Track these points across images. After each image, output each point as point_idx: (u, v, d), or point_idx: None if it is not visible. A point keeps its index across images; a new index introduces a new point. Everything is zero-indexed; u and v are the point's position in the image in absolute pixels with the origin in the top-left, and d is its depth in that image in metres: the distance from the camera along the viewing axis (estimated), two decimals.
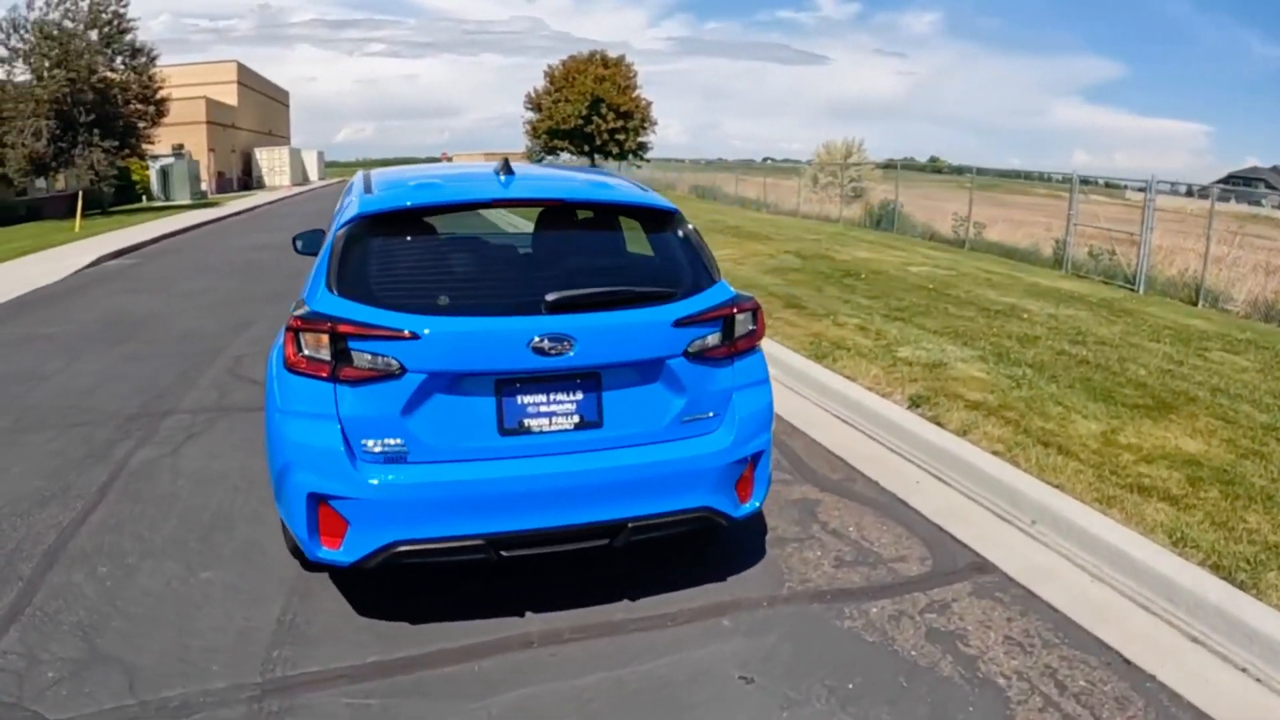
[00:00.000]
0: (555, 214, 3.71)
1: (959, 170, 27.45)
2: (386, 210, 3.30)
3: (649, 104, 50.30)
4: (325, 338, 2.96)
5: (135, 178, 37.82)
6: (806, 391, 6.58)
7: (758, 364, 3.53)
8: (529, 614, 3.40)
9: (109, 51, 28.99)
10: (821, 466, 5.16)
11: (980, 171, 20.76)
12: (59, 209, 27.68)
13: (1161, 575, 3.53)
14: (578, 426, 3.13)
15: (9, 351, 8.14)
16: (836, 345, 7.41)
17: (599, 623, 3.36)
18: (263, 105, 62.39)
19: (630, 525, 3.13)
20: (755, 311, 3.51)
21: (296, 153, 61.17)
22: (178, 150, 41.65)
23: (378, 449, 2.99)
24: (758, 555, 3.97)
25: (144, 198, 38.63)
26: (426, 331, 2.95)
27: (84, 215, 24.01)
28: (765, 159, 53.13)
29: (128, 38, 29.46)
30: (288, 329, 3.07)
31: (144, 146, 32.00)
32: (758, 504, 3.56)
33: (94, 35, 28.58)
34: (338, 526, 2.99)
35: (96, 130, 27.76)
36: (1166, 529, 3.93)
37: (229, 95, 51.88)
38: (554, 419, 3.10)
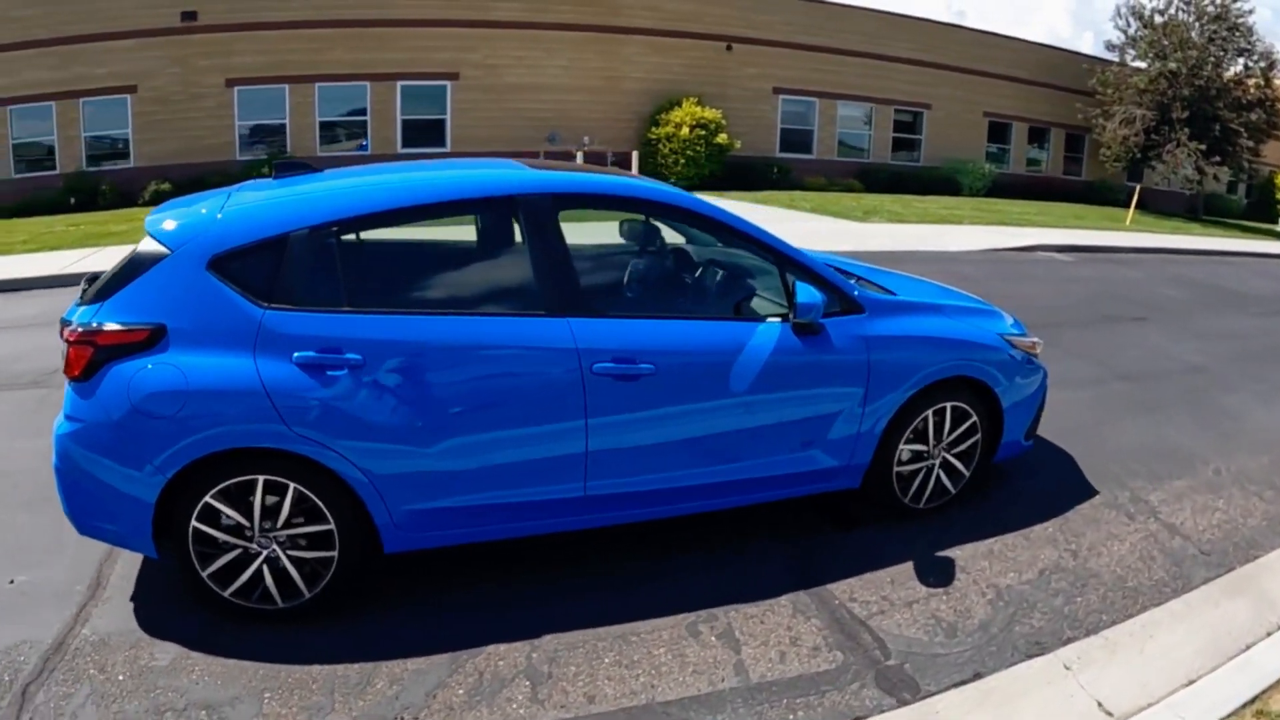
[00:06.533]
0: None
1: None
2: None
3: None
4: None
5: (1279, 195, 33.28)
6: None
7: None
8: None
9: (1223, 51, 25.33)
10: None
11: None
12: (1170, 203, 26.93)
13: None
14: None
15: None
16: None
17: None
18: None
19: None
20: None
21: None
22: None
23: None
24: None
25: None
26: None
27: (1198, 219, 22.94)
28: None
29: (1252, 40, 25.19)
30: None
31: (1246, 159, 27.41)
32: None
33: (1203, 32, 25.36)
34: None
35: (1186, 129, 25.20)
36: None
37: None
38: None
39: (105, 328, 2.97)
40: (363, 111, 21.24)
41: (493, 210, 3.61)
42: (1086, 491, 4.65)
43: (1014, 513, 4.34)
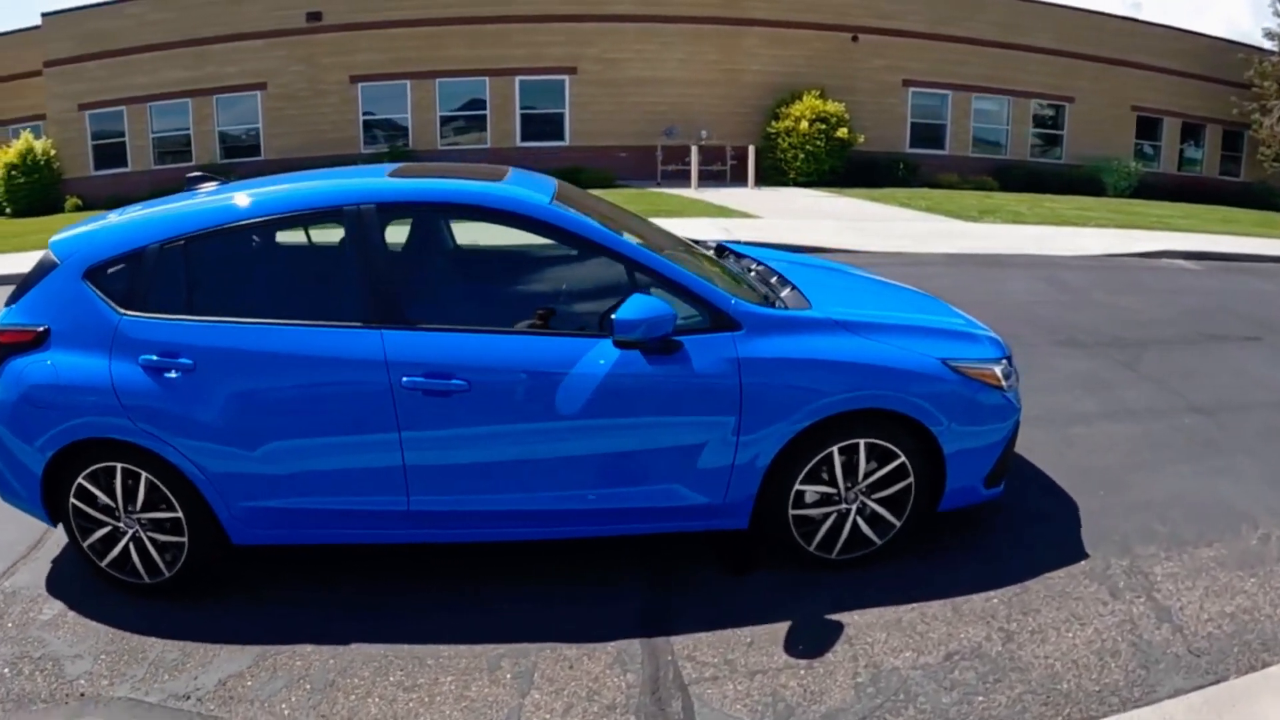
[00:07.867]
0: None
1: None
2: None
3: None
4: None
5: None
6: None
7: None
8: None
9: None
10: None
11: None
12: None
13: None
14: None
15: None
16: None
17: None
18: None
19: None
20: None
21: None
22: None
23: None
24: None
25: None
26: None
27: None
28: None
29: None
30: None
31: None
32: None
33: None
34: None
35: None
36: None
37: None
38: None
39: (5, 328, 3.43)
40: (482, 106, 21.62)
41: (325, 222, 3.69)
42: (1072, 555, 3.77)
43: (959, 574, 3.57)
